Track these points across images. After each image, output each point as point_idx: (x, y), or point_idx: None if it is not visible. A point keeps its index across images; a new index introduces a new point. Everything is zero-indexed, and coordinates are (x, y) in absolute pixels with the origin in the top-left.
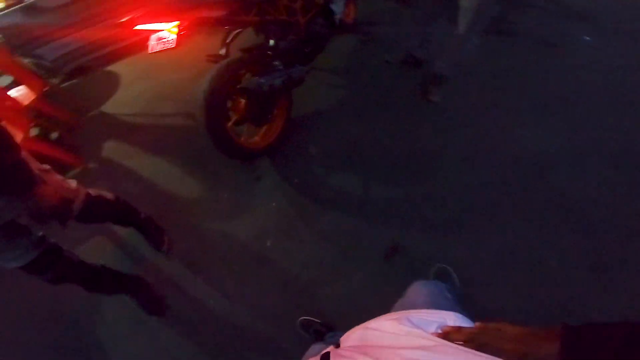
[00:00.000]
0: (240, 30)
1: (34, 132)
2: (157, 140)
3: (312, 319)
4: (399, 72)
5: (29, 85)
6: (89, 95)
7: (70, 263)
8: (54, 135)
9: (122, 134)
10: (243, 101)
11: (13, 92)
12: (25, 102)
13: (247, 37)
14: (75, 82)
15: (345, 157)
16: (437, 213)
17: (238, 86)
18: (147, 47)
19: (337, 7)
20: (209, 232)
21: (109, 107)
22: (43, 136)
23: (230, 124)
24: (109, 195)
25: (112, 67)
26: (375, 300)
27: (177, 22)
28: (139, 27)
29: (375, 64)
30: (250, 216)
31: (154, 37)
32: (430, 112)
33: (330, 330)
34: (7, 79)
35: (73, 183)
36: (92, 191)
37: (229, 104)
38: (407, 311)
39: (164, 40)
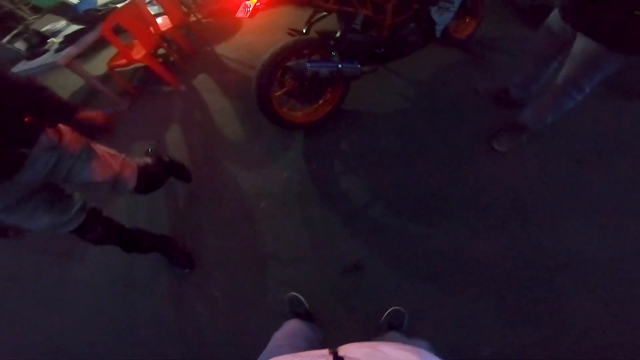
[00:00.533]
0: (327, 13)
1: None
2: (236, 85)
3: (303, 300)
4: (481, 106)
5: (170, 16)
6: (211, 34)
7: (110, 225)
8: (171, 58)
9: (215, 72)
10: (289, 78)
11: (158, 19)
12: (163, 29)
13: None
14: (208, 20)
15: (370, 167)
16: (427, 259)
17: (287, 64)
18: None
19: (441, 18)
20: (226, 171)
21: (220, 47)
22: (163, 57)
23: (277, 93)
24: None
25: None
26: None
27: None
28: None
29: (462, 90)
30: (263, 176)
31: (243, 3)
32: (485, 161)
33: (309, 319)
34: (157, 9)
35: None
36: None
37: (283, 76)
38: (418, 348)
39: (246, 9)
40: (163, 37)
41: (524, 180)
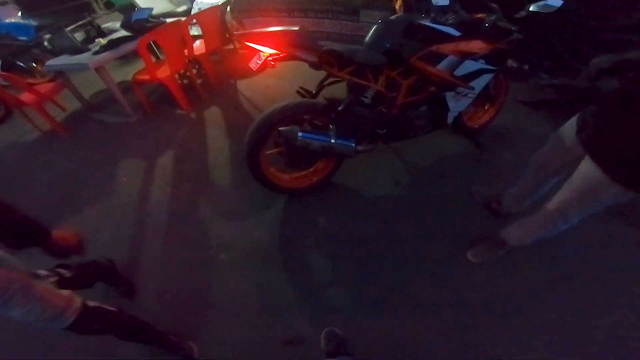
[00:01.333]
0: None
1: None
2: (240, 128)
3: (339, 333)
4: (470, 210)
5: (208, 41)
6: (239, 66)
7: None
8: (195, 82)
9: (227, 108)
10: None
11: (196, 42)
12: (196, 52)
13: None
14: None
15: (341, 251)
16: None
17: (280, 128)
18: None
19: (457, 104)
20: (200, 212)
21: (240, 83)
22: (186, 79)
23: (269, 152)
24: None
25: None
26: None
27: (274, 51)
28: (247, 43)
29: (456, 186)
30: (234, 228)
31: (257, 54)
32: (459, 270)
33: (345, 349)
34: (196, 30)
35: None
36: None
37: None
38: None
39: (257, 60)
40: (194, 60)
41: (491, 297)
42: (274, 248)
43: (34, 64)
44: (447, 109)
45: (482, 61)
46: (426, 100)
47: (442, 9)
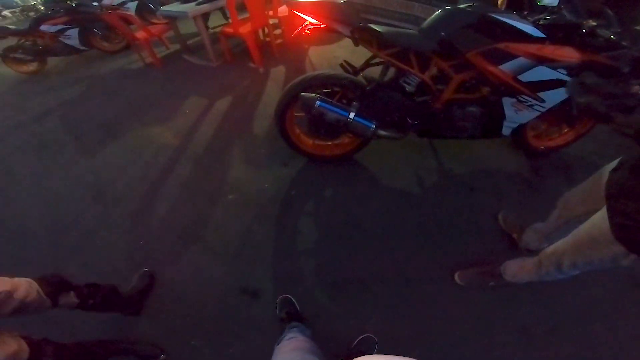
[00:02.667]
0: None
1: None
2: None
3: (294, 301)
4: (485, 234)
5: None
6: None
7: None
8: (273, 41)
9: (292, 69)
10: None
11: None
12: (280, 14)
13: None
14: None
15: (336, 228)
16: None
17: (301, 93)
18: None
19: (516, 116)
20: (226, 150)
21: (313, 49)
22: (267, 38)
23: (296, 114)
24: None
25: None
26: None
27: (315, 21)
28: (293, 10)
29: (483, 205)
30: (249, 174)
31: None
32: (446, 291)
33: (298, 319)
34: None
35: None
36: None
37: None
38: None
39: (298, 29)
40: (278, 20)
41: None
42: (275, 203)
43: (162, 7)
44: (503, 117)
45: (564, 72)
46: (479, 102)
47: (549, 10)
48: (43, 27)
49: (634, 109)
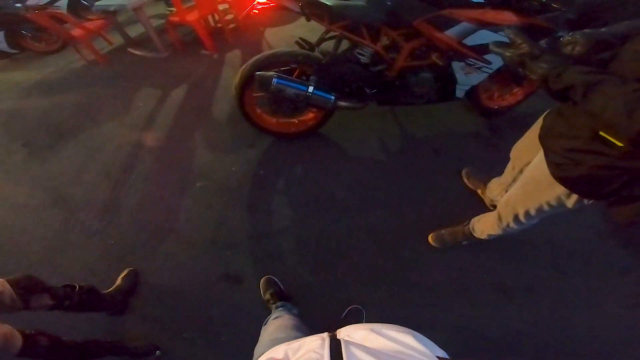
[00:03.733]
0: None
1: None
2: None
3: (277, 280)
4: (450, 195)
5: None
6: (274, 14)
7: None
8: (226, 26)
9: (247, 53)
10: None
11: None
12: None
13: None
14: None
15: (307, 203)
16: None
17: (256, 72)
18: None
19: (466, 78)
20: (190, 138)
21: (269, 31)
22: (218, 24)
23: (255, 94)
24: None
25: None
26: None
27: (263, 0)
28: None
29: (448, 167)
30: (215, 159)
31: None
32: (417, 253)
33: (283, 299)
34: None
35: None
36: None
37: None
38: (410, 330)
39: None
40: (229, 5)
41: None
42: (245, 185)
43: (97, 2)
44: (454, 80)
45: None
46: (431, 68)
47: None
48: None
49: (539, 57)
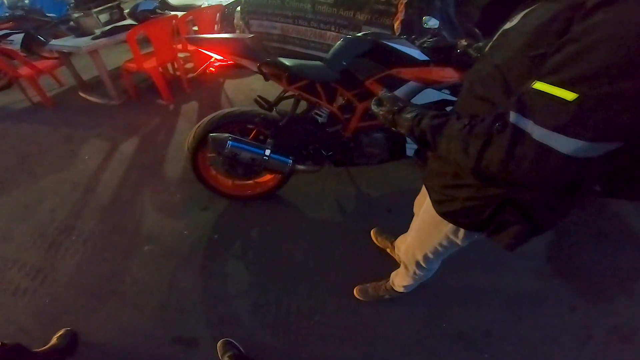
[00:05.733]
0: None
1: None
2: None
3: (236, 343)
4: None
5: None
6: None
7: None
8: (184, 76)
9: (205, 105)
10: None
11: None
12: (190, 48)
13: None
14: None
15: (263, 267)
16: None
17: (211, 133)
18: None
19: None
20: (137, 199)
21: (229, 82)
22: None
23: (209, 154)
24: None
25: None
26: None
27: (220, 57)
28: (197, 47)
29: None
30: (165, 223)
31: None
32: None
33: None
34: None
35: None
36: None
37: None
38: None
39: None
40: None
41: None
42: (197, 249)
43: (53, 40)
44: (404, 139)
45: (447, 92)
46: (383, 128)
47: (431, 32)
48: None
49: (402, 110)
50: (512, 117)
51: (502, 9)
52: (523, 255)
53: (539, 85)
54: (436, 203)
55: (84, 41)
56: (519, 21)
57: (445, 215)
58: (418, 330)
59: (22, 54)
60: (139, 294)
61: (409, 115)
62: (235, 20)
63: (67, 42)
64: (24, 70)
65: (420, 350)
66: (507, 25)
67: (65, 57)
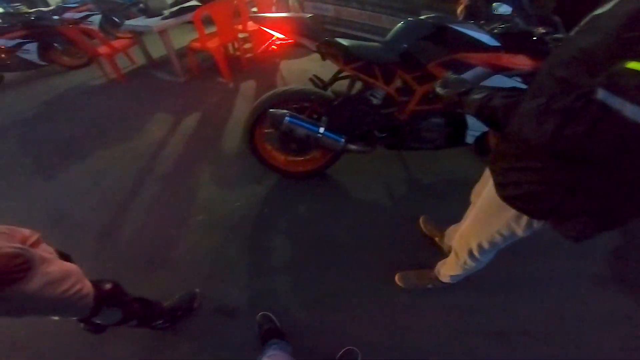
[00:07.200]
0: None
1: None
2: None
3: (274, 318)
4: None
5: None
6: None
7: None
8: (243, 55)
9: (262, 85)
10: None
11: None
12: (250, 28)
13: None
14: None
15: (309, 245)
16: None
17: (270, 109)
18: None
19: (478, 124)
20: (196, 170)
21: (284, 63)
22: (237, 52)
23: (265, 130)
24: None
25: None
26: None
27: (281, 36)
28: (260, 26)
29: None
30: (220, 194)
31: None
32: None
33: (278, 336)
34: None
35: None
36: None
37: None
38: None
39: (265, 44)
40: (248, 34)
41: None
42: (247, 221)
43: (126, 21)
44: (465, 126)
45: (519, 79)
46: (442, 113)
47: (502, 18)
48: None
49: (469, 92)
50: (601, 94)
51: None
52: (583, 256)
53: (633, 65)
54: (499, 187)
55: (154, 21)
56: (613, 6)
57: (508, 199)
58: (454, 324)
59: (102, 34)
60: (189, 262)
61: (478, 96)
62: (290, 2)
63: (139, 22)
64: (102, 49)
65: (454, 345)
66: (599, 11)
67: (137, 36)
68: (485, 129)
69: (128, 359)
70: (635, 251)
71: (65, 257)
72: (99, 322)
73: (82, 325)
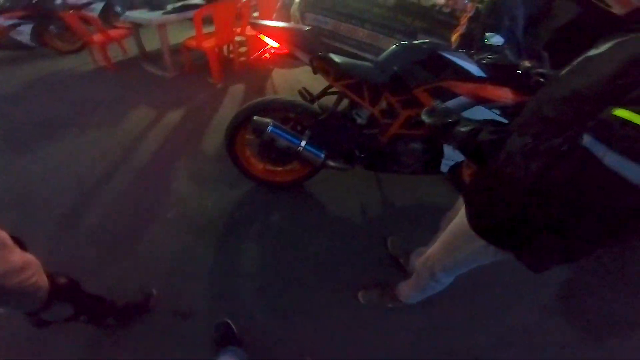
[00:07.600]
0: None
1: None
2: None
3: (231, 324)
4: None
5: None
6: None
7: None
8: (237, 58)
9: (251, 90)
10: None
11: None
12: (248, 32)
13: None
14: None
15: (278, 255)
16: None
17: (254, 117)
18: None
19: (453, 153)
20: (172, 167)
21: (276, 71)
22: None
23: (247, 136)
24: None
25: None
26: None
27: (276, 45)
28: (257, 33)
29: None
30: (192, 193)
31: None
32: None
33: (235, 343)
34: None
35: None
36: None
37: None
38: None
39: (259, 52)
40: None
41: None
42: (216, 224)
43: (128, 12)
44: (441, 154)
45: (497, 112)
46: (422, 139)
47: (493, 49)
48: None
49: (455, 124)
50: (586, 140)
51: (579, 36)
52: (536, 285)
53: (620, 112)
54: (472, 217)
55: (156, 15)
56: (607, 49)
57: (478, 230)
58: (412, 342)
59: (101, 22)
60: (152, 256)
61: (464, 129)
62: (291, 10)
63: (141, 15)
64: (97, 37)
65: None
66: (592, 53)
67: (135, 28)
68: (460, 159)
69: (68, 356)
70: (585, 287)
71: (19, 243)
72: (46, 318)
73: (27, 317)
